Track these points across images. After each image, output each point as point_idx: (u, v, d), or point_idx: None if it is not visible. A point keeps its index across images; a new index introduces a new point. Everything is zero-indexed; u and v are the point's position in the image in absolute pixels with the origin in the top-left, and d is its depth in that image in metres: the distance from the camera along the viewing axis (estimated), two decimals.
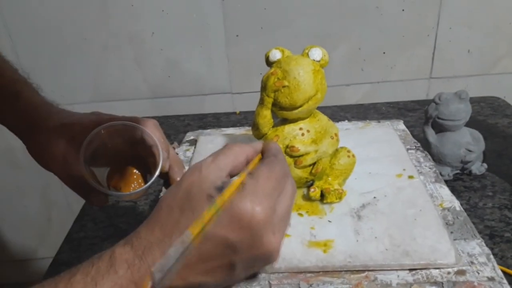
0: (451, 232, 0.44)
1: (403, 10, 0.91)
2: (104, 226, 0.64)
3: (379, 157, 0.56)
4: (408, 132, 0.63)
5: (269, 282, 0.40)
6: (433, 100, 0.66)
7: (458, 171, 0.68)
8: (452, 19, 0.92)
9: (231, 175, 0.35)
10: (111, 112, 0.52)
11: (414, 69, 0.97)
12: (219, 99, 0.99)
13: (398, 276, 0.40)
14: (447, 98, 0.64)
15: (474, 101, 0.72)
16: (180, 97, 0.99)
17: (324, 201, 0.48)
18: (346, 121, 0.69)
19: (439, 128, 0.66)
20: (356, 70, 0.97)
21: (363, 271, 0.40)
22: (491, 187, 0.65)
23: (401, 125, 0.65)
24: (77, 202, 0.75)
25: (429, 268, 0.40)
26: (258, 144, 0.39)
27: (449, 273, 0.40)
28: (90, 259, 0.31)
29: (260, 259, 0.33)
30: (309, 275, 0.41)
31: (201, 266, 0.31)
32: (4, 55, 0.56)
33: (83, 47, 0.94)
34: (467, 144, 0.65)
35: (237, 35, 0.93)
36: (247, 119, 0.90)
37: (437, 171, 0.54)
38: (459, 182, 0.66)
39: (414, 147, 0.59)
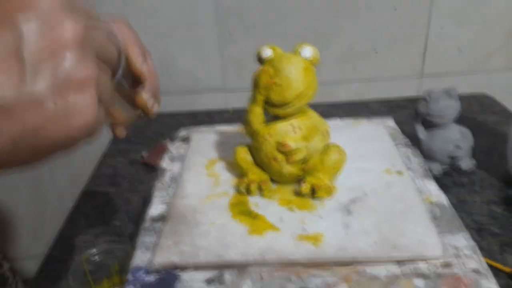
0: (438, 226, 0.45)
1: (395, 9, 0.92)
2: (97, 223, 0.64)
3: (369, 154, 0.56)
4: (398, 129, 0.64)
5: (260, 275, 0.41)
6: (423, 98, 0.67)
7: (447, 167, 0.69)
8: (443, 18, 0.93)
9: None
10: None
11: (405, 67, 0.98)
12: (212, 96, 1.00)
13: (386, 269, 0.41)
14: (437, 95, 0.66)
15: (463, 98, 0.73)
16: (173, 95, 1.00)
17: (315, 197, 0.49)
18: (338, 119, 0.70)
19: (429, 125, 0.67)
20: (348, 68, 0.98)
21: (352, 263, 0.41)
22: (479, 183, 0.66)
23: (391, 122, 0.66)
24: (69, 199, 0.75)
25: (416, 261, 0.41)
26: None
27: (435, 265, 0.41)
28: None
29: (52, 56, 0.24)
30: (299, 268, 0.41)
31: None
32: None
33: None
34: (456, 140, 0.67)
35: (230, 33, 0.94)
36: (241, 117, 0.90)
37: (425, 166, 0.55)
38: (448, 177, 0.68)
39: (403, 144, 0.60)
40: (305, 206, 0.48)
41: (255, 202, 0.49)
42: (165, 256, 0.42)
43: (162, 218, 0.48)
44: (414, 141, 0.69)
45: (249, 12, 0.92)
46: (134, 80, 0.41)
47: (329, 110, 0.92)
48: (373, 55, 0.97)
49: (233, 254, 0.42)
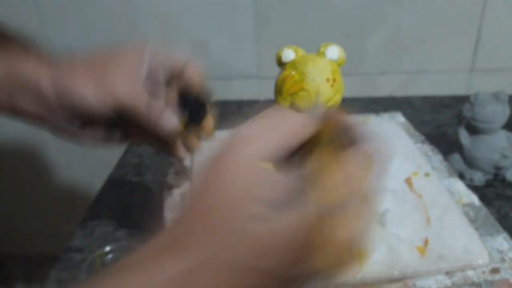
0: (477, 229, 0.44)
1: None
2: (118, 214, 0.64)
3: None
4: (409, 124, 0.59)
5: None
6: (468, 100, 0.62)
7: (490, 177, 0.63)
8: (499, 7, 0.85)
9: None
10: None
11: (454, 60, 0.91)
12: (245, 83, 0.97)
13: (435, 280, 0.39)
14: (484, 98, 0.60)
15: None
16: (205, 80, 0.97)
17: None
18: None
19: (474, 130, 0.62)
20: (392, 59, 0.92)
21: (400, 279, 0.40)
22: None
23: (400, 118, 0.62)
24: (99, 179, 0.75)
25: (464, 270, 0.40)
26: (315, 115, 0.27)
27: (483, 272, 0.40)
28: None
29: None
30: None
31: None
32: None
33: (110, 26, 0.93)
34: (502, 148, 0.61)
35: (267, 17, 0.90)
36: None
37: (448, 165, 0.53)
38: (491, 188, 0.62)
39: (420, 141, 0.56)
40: None
41: None
42: None
43: None
44: (456, 147, 0.64)
45: None
46: None
47: (368, 105, 0.87)
48: (420, 46, 0.90)
49: None
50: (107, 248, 0.50)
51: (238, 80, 0.97)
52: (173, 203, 0.50)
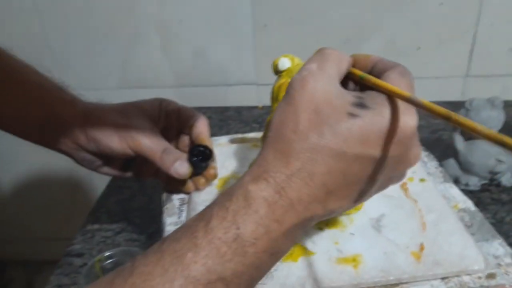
0: (473, 234, 0.44)
1: (441, 3, 0.86)
2: (118, 219, 0.64)
3: None
4: None
5: None
6: (463, 106, 0.62)
7: (486, 182, 0.64)
8: (494, 14, 0.86)
9: None
10: (136, 99, 0.54)
11: (449, 66, 0.92)
12: (244, 90, 0.98)
13: (431, 286, 0.40)
14: (479, 104, 0.61)
15: (510, 105, 0.67)
16: (204, 87, 0.98)
17: (342, 213, 0.47)
18: None
19: (469, 135, 0.63)
20: None
21: (396, 285, 0.40)
22: None
23: None
24: (101, 184, 0.76)
25: (460, 275, 0.40)
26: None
27: (480, 277, 0.40)
28: (217, 202, 0.29)
29: (398, 175, 0.32)
30: None
31: (344, 190, 0.29)
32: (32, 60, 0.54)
33: (112, 34, 0.94)
34: (498, 153, 0.62)
35: (265, 25, 0.91)
36: (269, 114, 0.88)
37: (443, 170, 0.53)
38: (486, 193, 0.63)
39: None
40: (334, 224, 0.46)
41: None
42: None
43: None
44: (452, 152, 0.65)
45: (286, 3, 0.88)
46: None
47: None
48: (416, 52, 0.92)
49: (272, 286, 0.39)
50: (107, 253, 0.50)
51: (237, 87, 0.98)
52: (172, 208, 0.51)
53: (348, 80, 0.33)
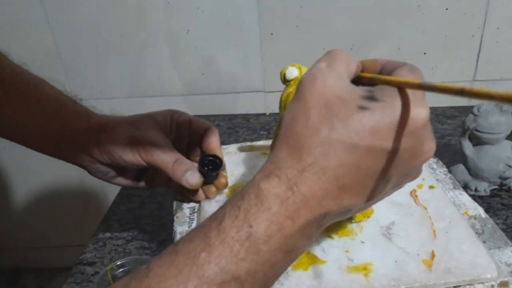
0: (484, 242, 0.43)
1: (446, 9, 0.87)
2: (129, 227, 0.65)
3: None
4: None
5: None
6: (471, 111, 0.62)
7: (496, 187, 0.64)
8: (500, 19, 0.87)
9: None
10: (147, 107, 0.54)
11: (457, 71, 0.93)
12: (251, 97, 0.98)
13: None
14: (487, 109, 0.61)
15: None
16: (213, 95, 0.99)
17: (353, 221, 0.47)
18: None
19: (477, 141, 0.63)
20: None
21: None
22: None
23: None
24: (112, 192, 0.77)
25: (472, 284, 0.40)
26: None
27: (492, 286, 0.39)
28: (230, 202, 0.29)
29: (413, 172, 0.32)
30: None
31: (358, 186, 0.29)
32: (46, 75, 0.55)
33: (121, 44, 0.95)
34: (507, 159, 0.62)
35: (272, 33, 0.92)
36: (277, 119, 0.89)
37: (452, 176, 0.53)
38: (496, 198, 0.63)
39: None
40: (344, 233, 0.46)
41: None
42: None
43: None
44: (461, 158, 0.65)
45: (292, 12, 0.89)
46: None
47: None
48: (422, 58, 0.92)
49: None
50: (119, 262, 0.51)
51: (245, 94, 0.99)
52: (183, 217, 0.51)
53: (358, 85, 0.33)
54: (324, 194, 0.28)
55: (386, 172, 0.29)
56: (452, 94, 0.25)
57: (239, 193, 0.29)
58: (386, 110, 0.28)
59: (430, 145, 0.30)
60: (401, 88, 0.28)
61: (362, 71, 0.33)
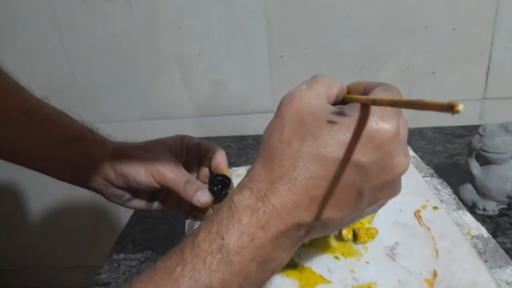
0: (485, 261, 0.44)
1: (454, 29, 0.88)
2: (143, 248, 0.66)
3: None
4: (419, 158, 0.61)
5: None
6: (477, 132, 0.63)
7: (504, 206, 0.64)
8: (508, 38, 0.87)
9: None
10: (159, 129, 0.56)
11: (466, 89, 0.93)
12: (261, 118, 1.00)
13: None
14: (492, 130, 0.61)
15: None
16: (223, 116, 1.01)
17: (358, 242, 0.48)
18: None
19: (484, 161, 0.63)
20: (403, 91, 0.94)
21: None
22: None
23: (410, 152, 0.63)
24: (124, 214, 0.78)
25: None
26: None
27: None
28: (206, 218, 0.31)
29: (387, 187, 0.32)
30: None
31: (330, 200, 0.29)
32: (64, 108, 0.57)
33: (134, 68, 0.98)
34: None
35: (281, 56, 0.94)
36: None
37: (456, 197, 0.54)
38: (505, 218, 0.63)
39: (429, 174, 0.58)
40: (350, 253, 0.47)
41: (297, 253, 0.47)
42: None
43: None
44: (469, 177, 0.65)
45: (300, 35, 0.91)
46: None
47: None
48: (431, 77, 0.93)
49: None
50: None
51: (255, 115, 1.00)
52: None
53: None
54: (295, 204, 0.29)
55: (356, 185, 0.30)
56: (404, 107, 0.27)
57: (216, 208, 0.31)
58: (353, 124, 0.29)
59: (402, 160, 0.31)
60: (364, 104, 0.30)
61: (349, 93, 0.35)
